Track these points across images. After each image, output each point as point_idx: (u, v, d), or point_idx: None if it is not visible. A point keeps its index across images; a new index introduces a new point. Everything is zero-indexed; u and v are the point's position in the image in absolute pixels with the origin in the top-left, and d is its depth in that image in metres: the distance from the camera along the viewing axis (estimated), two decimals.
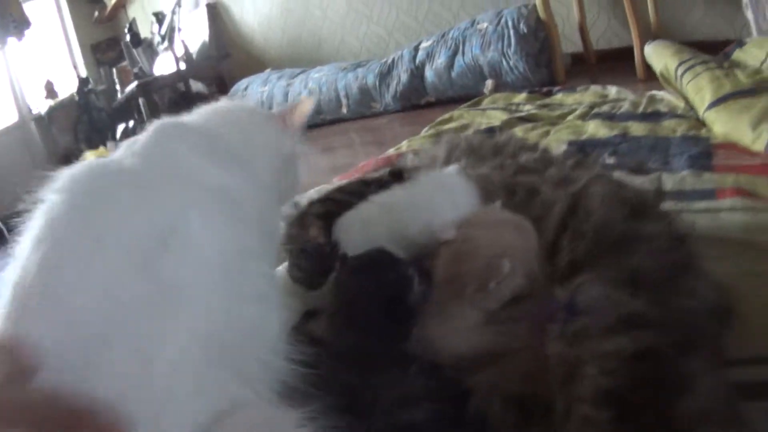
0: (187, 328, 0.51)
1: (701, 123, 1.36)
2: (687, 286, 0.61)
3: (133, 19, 4.60)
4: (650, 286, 0.58)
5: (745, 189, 0.98)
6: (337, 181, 1.51)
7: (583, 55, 2.83)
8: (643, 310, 0.55)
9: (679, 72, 1.47)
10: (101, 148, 4.23)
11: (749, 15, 1.76)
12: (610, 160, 1.23)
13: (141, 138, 0.66)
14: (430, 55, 2.96)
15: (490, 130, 1.72)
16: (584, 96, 1.94)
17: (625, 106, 1.64)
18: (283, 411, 0.49)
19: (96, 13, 4.78)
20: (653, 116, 1.51)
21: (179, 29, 4.37)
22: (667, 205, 0.96)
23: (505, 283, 0.60)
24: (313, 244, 0.70)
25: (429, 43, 3.01)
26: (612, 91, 1.93)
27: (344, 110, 3.35)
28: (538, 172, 0.73)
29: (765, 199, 0.95)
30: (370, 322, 0.63)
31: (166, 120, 0.69)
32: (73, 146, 4.42)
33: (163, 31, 4.43)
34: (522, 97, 2.09)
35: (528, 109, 1.92)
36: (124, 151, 0.65)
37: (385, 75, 3.13)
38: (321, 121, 3.35)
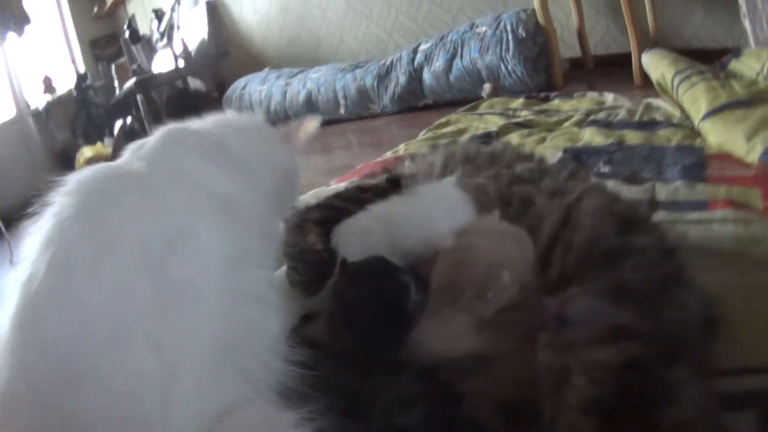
0: (194, 327, 0.52)
1: (696, 133, 1.37)
2: (675, 298, 0.62)
3: (133, 16, 4.60)
4: (639, 299, 0.59)
5: (738, 200, 1.00)
6: (335, 184, 1.52)
7: (582, 60, 2.84)
8: (631, 321, 0.57)
9: (676, 81, 1.48)
10: (99, 144, 4.23)
11: (747, 25, 1.77)
12: (605, 169, 1.25)
13: (148, 142, 0.68)
14: (428, 58, 2.97)
15: (487, 135, 1.74)
16: (581, 102, 1.96)
17: (622, 114, 1.65)
18: (282, 411, 0.51)
19: (95, 9, 4.77)
20: (649, 125, 1.52)
21: (178, 27, 4.37)
22: (660, 216, 0.98)
23: (502, 292, 0.61)
24: (311, 250, 0.71)
25: (428, 45, 3.02)
26: (609, 98, 1.94)
27: (342, 111, 3.36)
28: (533, 182, 0.74)
29: (757, 211, 0.96)
30: (367, 326, 0.64)
31: (173, 126, 0.71)
32: (70, 142, 4.42)
33: (162, 28, 4.43)
34: (519, 102, 2.10)
35: (525, 114, 1.93)
36: (131, 154, 0.67)
37: (383, 77, 3.14)
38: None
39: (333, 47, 3.95)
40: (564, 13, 2.85)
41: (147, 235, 0.56)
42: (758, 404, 0.62)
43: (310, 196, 1.25)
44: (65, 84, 4.48)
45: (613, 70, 2.60)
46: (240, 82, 3.95)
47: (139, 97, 4.22)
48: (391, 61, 3.15)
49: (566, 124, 1.69)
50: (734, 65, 1.55)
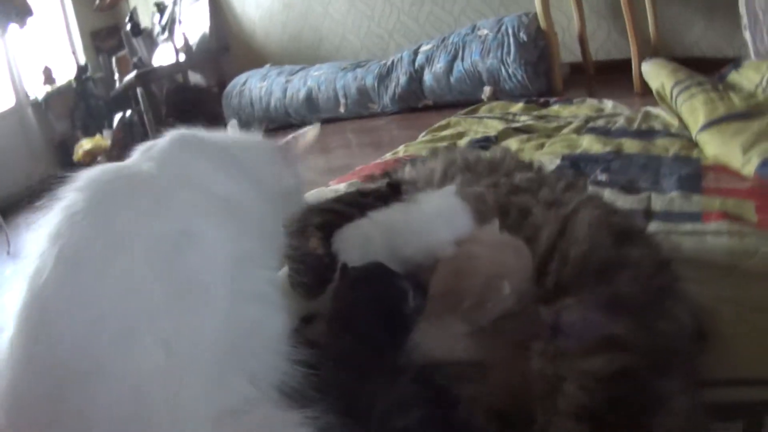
0: (201, 326, 0.54)
1: (694, 143, 1.39)
2: (667, 310, 0.64)
3: (134, 8, 4.59)
4: (633, 310, 0.61)
5: (732, 213, 1.01)
6: (334, 184, 1.53)
7: (582, 65, 2.85)
8: (622, 332, 0.58)
9: (675, 92, 1.50)
10: (98, 136, 4.22)
11: (747, 36, 1.78)
12: (602, 177, 1.26)
13: (157, 144, 0.70)
14: (429, 59, 2.98)
15: (486, 140, 1.75)
16: (580, 109, 1.97)
17: (620, 122, 1.67)
18: (287, 412, 0.52)
19: (97, 1, 4.76)
20: (647, 134, 1.53)
21: (180, 20, 4.37)
22: (655, 226, 1.00)
23: (501, 302, 0.63)
24: (313, 254, 0.72)
25: (429, 46, 3.03)
26: (608, 105, 1.96)
27: (342, 110, 3.37)
28: (531, 192, 0.76)
29: (751, 224, 0.98)
30: (366, 330, 0.66)
31: (183, 131, 0.73)
32: (69, 133, 4.41)
33: (163, 22, 4.42)
34: (519, 106, 2.12)
35: (524, 119, 1.95)
36: (140, 155, 0.69)
37: (384, 77, 3.15)
38: (318, 119, 3.37)
39: (334, 45, 3.96)
40: (565, 18, 2.86)
41: (157, 235, 0.57)
42: (747, 415, 0.63)
43: (310, 196, 1.26)
44: (65, 75, 4.47)
45: (613, 75, 2.62)
46: (240, 78, 3.95)
47: (139, 91, 4.21)
48: (392, 62, 3.16)
49: (565, 130, 1.70)
50: (733, 77, 1.57)
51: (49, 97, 4.33)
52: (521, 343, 0.62)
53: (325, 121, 3.36)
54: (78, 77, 4.39)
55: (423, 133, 2.06)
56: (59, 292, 0.51)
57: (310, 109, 3.48)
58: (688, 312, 0.67)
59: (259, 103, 3.73)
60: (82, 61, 4.53)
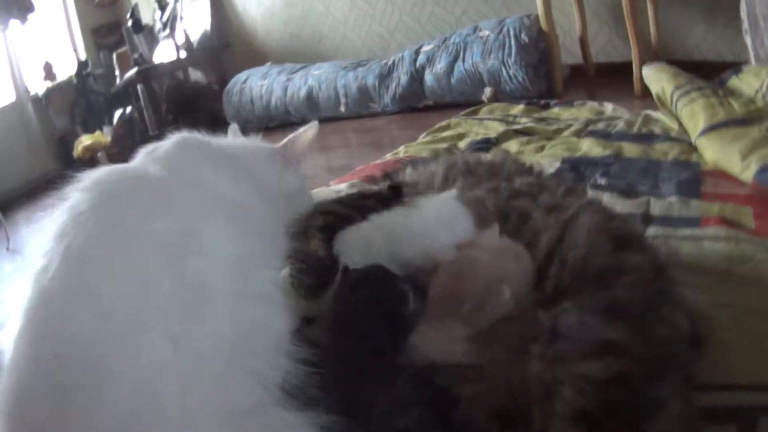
0: (208, 325, 0.55)
1: (693, 147, 1.39)
2: (664, 315, 0.64)
3: (136, 5, 4.58)
4: (629, 315, 0.62)
5: (730, 218, 1.02)
6: (335, 185, 1.54)
7: (583, 67, 2.86)
8: (619, 337, 0.59)
9: (675, 96, 1.50)
10: (98, 133, 4.22)
11: (748, 41, 1.79)
12: (602, 181, 1.27)
13: (161, 146, 0.71)
14: (430, 59, 2.98)
15: (487, 141, 1.76)
16: (580, 111, 1.98)
17: (620, 125, 1.67)
18: (296, 413, 0.53)
19: None
20: (647, 138, 1.54)
21: (181, 17, 4.36)
22: (654, 231, 1.01)
23: (501, 307, 0.63)
24: (314, 256, 0.73)
25: (430, 47, 3.04)
26: (608, 108, 1.96)
27: (342, 109, 3.37)
28: (531, 197, 0.77)
29: (748, 230, 0.98)
30: (367, 332, 0.67)
31: (186, 134, 0.74)
32: (69, 129, 4.40)
33: (165, 18, 4.42)
34: (519, 108, 2.12)
35: (524, 122, 1.95)
36: (144, 157, 0.70)
37: (384, 76, 3.16)
38: (318, 118, 3.37)
39: (336, 44, 3.96)
40: (567, 20, 2.87)
41: (163, 235, 0.58)
42: (741, 419, 0.64)
43: (312, 195, 1.27)
44: (66, 71, 4.47)
45: (614, 78, 2.63)
46: (241, 76, 3.95)
47: (139, 87, 4.22)
48: (393, 61, 3.17)
49: (565, 133, 1.71)
50: (734, 82, 1.57)
51: (49, 92, 4.33)
52: (520, 346, 0.63)
53: (326, 120, 3.37)
54: (78, 73, 4.38)
55: (423, 134, 2.07)
56: (66, 289, 0.51)
57: (310, 108, 3.48)
58: (685, 317, 0.68)
59: (259, 101, 3.74)
60: (83, 57, 4.53)
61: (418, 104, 3.09)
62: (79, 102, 4.42)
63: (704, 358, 0.69)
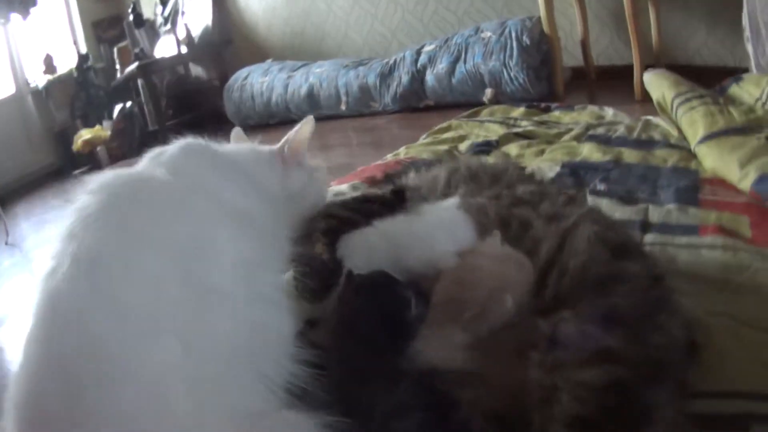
0: (219, 328, 0.56)
1: (692, 155, 1.40)
2: (660, 323, 0.66)
3: None
4: (626, 323, 0.63)
5: (727, 227, 1.03)
6: (335, 185, 1.54)
7: (584, 69, 2.87)
8: (617, 345, 0.61)
9: (676, 103, 1.51)
10: (97, 127, 4.22)
11: (749, 49, 1.79)
12: (601, 187, 1.28)
13: (166, 151, 0.72)
14: (432, 60, 2.99)
15: (487, 144, 1.77)
16: (581, 115, 1.99)
17: (620, 130, 1.68)
18: (307, 415, 0.54)
19: None
20: (647, 144, 1.55)
21: (183, 12, 4.36)
22: (652, 238, 1.02)
23: (503, 315, 0.65)
24: (318, 259, 0.74)
25: (432, 47, 3.05)
26: (609, 112, 1.97)
27: (343, 107, 3.38)
28: (532, 206, 0.78)
29: (745, 239, 1.00)
30: (369, 336, 0.68)
31: (192, 140, 0.75)
32: (69, 122, 4.40)
33: (166, 13, 4.41)
34: (520, 111, 2.13)
35: (525, 125, 1.96)
36: (150, 161, 0.71)
37: (386, 75, 3.16)
38: (319, 116, 3.38)
39: (337, 42, 3.96)
40: (569, 22, 2.88)
41: (172, 238, 0.59)
42: (734, 426, 0.66)
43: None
44: (66, 64, 4.46)
45: (615, 81, 2.64)
46: (242, 72, 3.95)
47: (139, 82, 4.21)
48: (395, 61, 3.17)
49: (566, 137, 1.72)
50: (734, 90, 1.58)
51: (49, 85, 4.32)
52: (520, 353, 0.64)
53: (327, 118, 3.38)
54: (79, 66, 4.37)
55: (424, 135, 2.08)
56: (77, 291, 0.52)
57: (311, 106, 3.49)
58: (681, 325, 0.69)
59: (260, 98, 3.74)
60: (84, 50, 4.52)
61: (419, 104, 3.10)
62: (79, 95, 4.41)
63: (700, 365, 0.70)
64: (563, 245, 0.68)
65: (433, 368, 0.66)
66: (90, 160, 4.02)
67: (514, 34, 2.70)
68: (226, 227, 0.65)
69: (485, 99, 2.75)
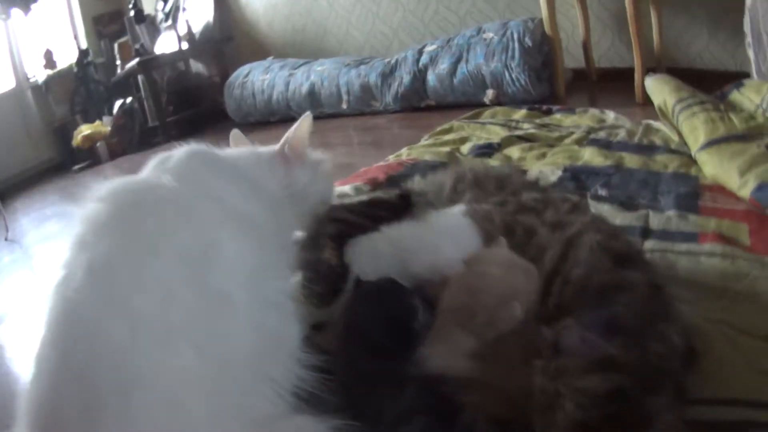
0: (230, 334, 0.57)
1: (693, 160, 1.41)
2: (660, 331, 0.67)
3: None
4: (627, 332, 0.65)
5: (727, 235, 1.04)
6: (338, 186, 1.55)
7: (585, 71, 2.87)
8: (617, 353, 0.62)
9: (677, 109, 1.52)
10: (97, 122, 4.21)
11: (751, 54, 1.80)
12: (602, 192, 1.29)
13: (172, 157, 0.72)
14: (433, 60, 2.99)
15: (489, 146, 1.77)
16: (582, 119, 1.99)
17: (621, 135, 1.69)
18: (317, 420, 0.55)
19: None
20: (648, 149, 1.56)
21: (184, 8, 4.35)
22: (652, 245, 1.03)
23: (510, 321, 0.66)
24: (326, 264, 0.75)
25: (433, 47, 3.05)
26: (610, 116, 1.98)
27: (344, 106, 3.38)
28: (536, 213, 0.79)
29: (743, 247, 1.01)
30: (376, 342, 0.69)
31: (197, 146, 0.75)
32: (68, 117, 4.39)
33: (167, 9, 4.40)
34: (521, 113, 2.14)
35: (527, 127, 1.97)
36: (155, 168, 0.71)
37: (387, 75, 3.17)
38: (320, 114, 3.38)
39: (338, 40, 3.96)
40: (570, 24, 2.89)
41: (185, 245, 0.59)
42: None
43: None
44: (66, 59, 4.45)
45: (616, 83, 2.64)
46: (243, 70, 3.94)
47: (140, 78, 4.21)
48: (396, 60, 3.18)
49: (567, 141, 1.73)
50: (735, 96, 1.59)
51: (49, 80, 4.31)
52: (524, 359, 0.65)
53: (328, 117, 3.39)
54: (79, 62, 4.36)
55: (426, 137, 2.09)
56: (93, 300, 0.52)
57: (312, 104, 3.49)
58: (680, 333, 0.70)
59: (261, 95, 3.74)
60: (84, 45, 4.51)
61: (420, 104, 3.10)
62: (79, 91, 4.40)
63: (698, 372, 0.71)
64: (567, 254, 0.70)
65: (439, 374, 0.68)
66: (90, 156, 4.02)
67: (515, 35, 2.70)
68: (233, 233, 0.66)
69: (487, 100, 2.75)
